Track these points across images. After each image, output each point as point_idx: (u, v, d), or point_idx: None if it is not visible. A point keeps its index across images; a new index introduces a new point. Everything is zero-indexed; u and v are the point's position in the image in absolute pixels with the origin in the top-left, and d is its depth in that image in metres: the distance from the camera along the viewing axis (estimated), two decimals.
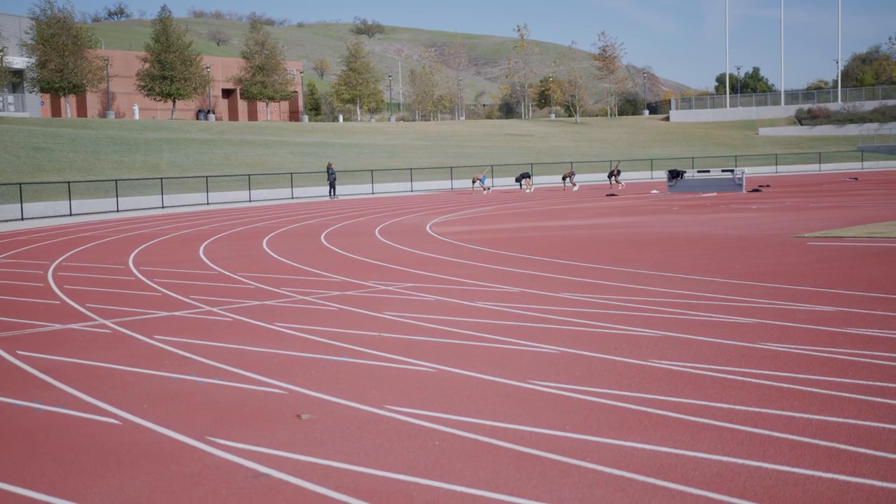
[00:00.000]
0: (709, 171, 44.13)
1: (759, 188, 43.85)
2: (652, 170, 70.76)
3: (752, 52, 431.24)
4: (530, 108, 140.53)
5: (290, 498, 4.86)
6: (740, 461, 5.19)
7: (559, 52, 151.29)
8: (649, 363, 7.74)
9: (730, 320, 9.61)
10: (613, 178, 52.86)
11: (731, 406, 6.34)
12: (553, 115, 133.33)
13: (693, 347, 8.33)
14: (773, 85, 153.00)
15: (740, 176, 42.57)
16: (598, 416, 6.24)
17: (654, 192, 44.68)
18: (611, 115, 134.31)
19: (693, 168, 58.88)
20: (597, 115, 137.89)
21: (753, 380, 7.06)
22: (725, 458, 5.24)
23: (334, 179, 49.94)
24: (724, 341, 8.55)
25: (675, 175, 43.90)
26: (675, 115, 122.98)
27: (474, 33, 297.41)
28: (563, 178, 55.62)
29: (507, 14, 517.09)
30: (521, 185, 54.92)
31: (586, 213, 30.49)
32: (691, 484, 4.85)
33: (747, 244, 17.77)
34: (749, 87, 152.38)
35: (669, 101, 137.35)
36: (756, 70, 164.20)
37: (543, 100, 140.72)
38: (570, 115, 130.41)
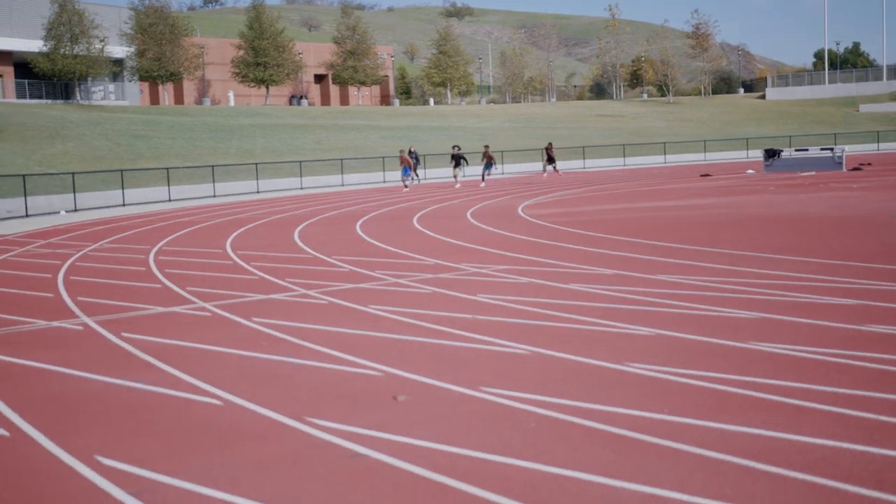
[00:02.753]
0: (807, 150, 43.09)
1: (860, 166, 42.70)
2: (748, 149, 69.44)
3: (852, 27, 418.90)
4: (622, 88, 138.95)
5: (387, 478, 4.90)
6: (845, 445, 5.06)
7: (651, 31, 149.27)
8: (749, 345, 7.60)
9: (831, 302, 9.38)
10: (548, 163, 46.66)
11: (835, 389, 6.19)
12: (645, 96, 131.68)
13: (794, 329, 8.15)
14: (875, 60, 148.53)
15: (840, 154, 41.49)
16: (697, 399, 6.16)
17: (750, 171, 43.83)
18: (704, 94, 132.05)
19: (790, 147, 57.64)
20: (690, 95, 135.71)
21: (857, 363, 6.89)
22: (829, 442, 5.12)
23: (416, 163, 49.65)
24: (826, 323, 8.35)
25: (771, 154, 42.97)
26: (771, 92, 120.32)
27: (565, 14, 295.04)
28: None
29: None
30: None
31: (680, 193, 30.06)
32: (794, 468, 4.75)
33: (848, 224, 17.33)
34: (849, 62, 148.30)
35: (765, 78, 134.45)
36: (856, 45, 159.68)
37: (635, 80, 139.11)
38: (662, 95, 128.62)
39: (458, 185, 41.71)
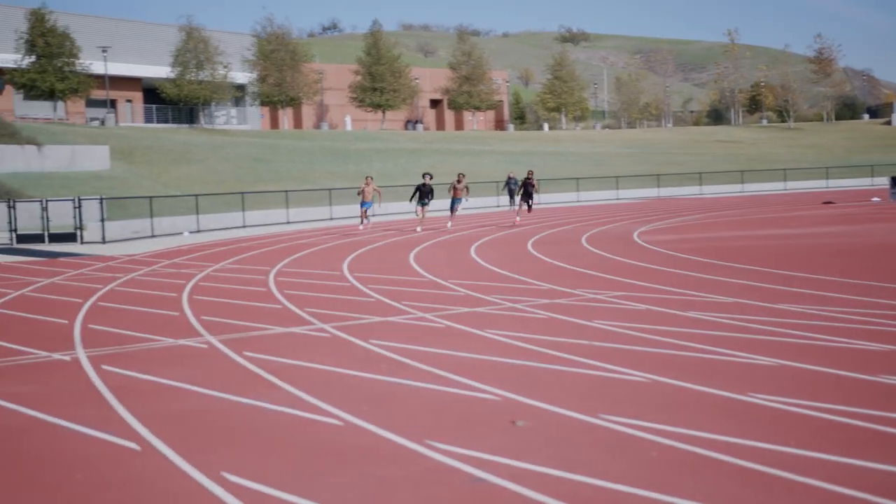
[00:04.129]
0: None
1: None
2: (872, 176, 67.37)
3: None
4: (740, 113, 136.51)
5: None
6: None
7: (771, 56, 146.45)
8: (879, 379, 7.37)
9: None
10: (522, 196, 32.38)
11: None
12: (765, 121, 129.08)
13: None
14: None
15: None
16: (824, 432, 5.99)
17: (876, 199, 42.53)
18: (827, 120, 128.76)
19: None
20: (811, 120, 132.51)
21: None
22: None
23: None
24: None
25: None
26: None
27: (682, 38, 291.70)
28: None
29: (716, 18, 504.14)
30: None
31: (803, 221, 29.34)
32: None
33: None
34: None
35: (891, 104, 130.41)
36: None
37: (754, 105, 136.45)
38: (782, 121, 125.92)
39: (419, 230, 29.47)
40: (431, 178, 29.57)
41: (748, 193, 60.61)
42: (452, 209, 31.79)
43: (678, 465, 5.43)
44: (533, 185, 31.91)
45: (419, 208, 29.61)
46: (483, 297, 13.51)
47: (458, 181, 31.29)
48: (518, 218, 32.59)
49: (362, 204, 29.84)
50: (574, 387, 7.57)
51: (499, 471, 5.41)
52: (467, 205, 31.98)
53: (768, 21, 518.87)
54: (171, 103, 78.05)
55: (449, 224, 31.16)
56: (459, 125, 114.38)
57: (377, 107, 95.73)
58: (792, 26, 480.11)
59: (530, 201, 32.27)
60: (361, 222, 30.13)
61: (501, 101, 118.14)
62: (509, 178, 43.64)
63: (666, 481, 5.12)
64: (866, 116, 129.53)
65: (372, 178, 30.21)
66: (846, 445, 5.66)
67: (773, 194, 58.28)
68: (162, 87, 75.68)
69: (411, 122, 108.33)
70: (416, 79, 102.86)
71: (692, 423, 6.29)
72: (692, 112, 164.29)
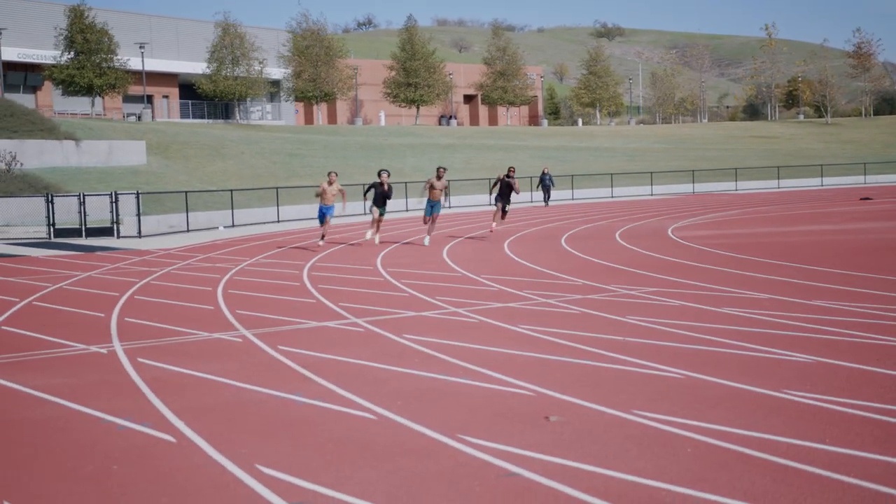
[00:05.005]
0: None
1: None
2: None
3: None
4: (777, 108, 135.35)
5: (542, 499, 4.90)
6: None
7: (809, 51, 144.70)
8: None
9: None
10: (498, 197, 24.99)
11: None
12: (801, 116, 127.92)
13: None
14: None
15: None
16: (860, 429, 5.95)
17: None
18: (865, 115, 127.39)
19: None
20: (849, 116, 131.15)
21: None
22: None
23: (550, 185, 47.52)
24: None
25: None
26: None
27: (718, 33, 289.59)
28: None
29: (753, 12, 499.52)
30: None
31: (839, 217, 29.06)
32: None
33: None
34: None
35: None
36: None
37: (791, 100, 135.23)
38: (819, 116, 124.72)
39: (369, 235, 23.04)
40: (389, 175, 22.18)
41: (784, 189, 60.10)
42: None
43: (712, 461, 5.41)
44: (513, 185, 24.25)
45: (375, 210, 22.21)
46: (516, 292, 13.50)
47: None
48: (494, 224, 25.32)
49: (323, 211, 22.29)
50: (607, 382, 7.56)
51: (532, 466, 5.42)
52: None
53: (806, 15, 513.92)
54: (207, 99, 78.56)
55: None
56: (493, 120, 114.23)
57: (411, 102, 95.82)
58: (830, 21, 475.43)
59: (507, 206, 24.72)
60: (322, 238, 22.59)
61: (535, 96, 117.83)
62: (543, 173, 43.50)
63: (699, 477, 5.11)
64: None
65: (336, 175, 22.29)
66: (882, 443, 5.62)
67: (809, 190, 57.75)
68: (198, 83, 76.17)
69: (445, 118, 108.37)
70: (451, 74, 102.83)
71: (726, 419, 6.27)
72: (728, 107, 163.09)
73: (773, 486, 4.95)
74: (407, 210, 41.86)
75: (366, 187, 22.06)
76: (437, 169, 23.29)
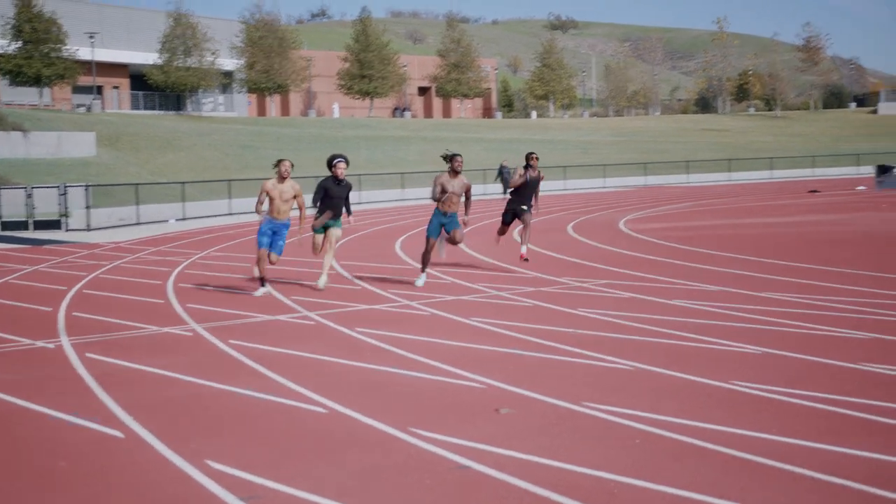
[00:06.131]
0: None
1: None
2: (858, 165, 67.57)
3: None
4: (728, 102, 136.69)
5: (493, 491, 4.91)
6: None
7: (760, 45, 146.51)
8: (861, 367, 7.41)
9: None
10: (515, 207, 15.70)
11: None
12: (752, 110, 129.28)
13: None
14: None
15: None
16: (807, 420, 6.03)
17: (861, 188, 42.67)
18: (814, 109, 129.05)
19: None
20: (799, 109, 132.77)
21: None
22: None
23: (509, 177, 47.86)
24: None
25: (884, 170, 41.81)
26: (885, 107, 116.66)
27: (671, 26, 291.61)
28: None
29: (705, 6, 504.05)
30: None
31: (788, 210, 29.43)
32: None
33: None
34: None
35: (878, 93, 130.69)
36: None
37: (742, 94, 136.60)
38: (769, 110, 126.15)
39: (321, 285, 13.51)
40: (347, 165, 13.60)
41: (735, 182, 60.75)
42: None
43: (661, 452, 5.45)
44: (539, 181, 15.89)
45: (320, 220, 13.42)
46: (469, 285, 13.52)
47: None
48: (501, 238, 16.89)
49: (267, 230, 13.23)
50: (558, 375, 7.59)
51: (483, 458, 5.43)
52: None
53: (757, 9, 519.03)
54: (159, 90, 77.66)
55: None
56: (447, 113, 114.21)
57: (365, 94, 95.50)
58: (781, 15, 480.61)
59: (526, 213, 15.58)
60: (262, 283, 13.32)
61: (490, 88, 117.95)
62: (502, 166, 43.65)
63: (648, 468, 5.15)
64: (853, 105, 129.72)
65: (292, 165, 13.22)
66: (828, 433, 5.70)
67: (759, 183, 58.44)
68: (149, 74, 75.28)
69: (399, 110, 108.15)
70: (405, 66, 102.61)
71: (675, 410, 6.32)
72: (680, 100, 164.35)
73: (720, 476, 5.00)
74: (359, 202, 41.67)
75: (315, 191, 13.38)
76: (452, 158, 13.97)
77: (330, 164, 13.45)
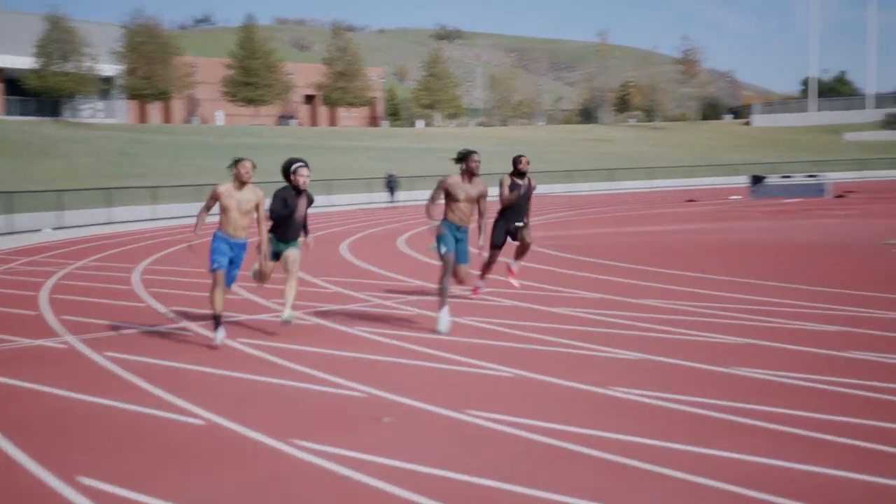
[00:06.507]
0: (792, 177, 43.33)
1: (844, 194, 42.92)
2: (733, 175, 69.72)
3: (838, 56, 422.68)
4: (610, 112, 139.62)
5: (375, 501, 4.89)
6: (830, 472, 5.08)
7: (640, 57, 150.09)
8: (732, 371, 7.63)
9: (814, 328, 9.42)
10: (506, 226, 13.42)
11: (819, 416, 6.21)
12: (633, 120, 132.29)
13: (777, 355, 8.19)
14: (861, 89, 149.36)
15: (825, 182, 41.71)
16: (681, 423, 6.17)
17: (736, 197, 44.02)
18: (692, 120, 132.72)
19: (776, 174, 57.88)
20: (677, 120, 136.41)
21: (842, 389, 6.92)
22: (814, 469, 5.14)
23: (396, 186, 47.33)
24: (809, 349, 8.39)
25: (757, 181, 43.23)
26: (758, 119, 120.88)
27: (555, 38, 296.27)
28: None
29: (588, 18, 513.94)
30: None
31: (666, 218, 30.16)
32: (778, 493, 4.77)
33: (831, 251, 17.41)
34: (835, 91, 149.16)
35: (751, 105, 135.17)
36: (843, 74, 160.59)
37: (623, 104, 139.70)
38: (650, 120, 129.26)
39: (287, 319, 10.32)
40: (309, 170, 10.51)
41: (616, 191, 62.00)
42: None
43: (541, 458, 5.51)
44: (531, 189, 14.17)
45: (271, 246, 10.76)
46: (354, 294, 13.47)
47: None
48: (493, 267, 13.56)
49: (224, 251, 10.10)
50: (440, 383, 7.61)
51: (365, 468, 5.40)
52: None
53: (638, 22, 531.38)
54: (34, 95, 75.36)
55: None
56: (333, 121, 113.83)
57: (250, 102, 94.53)
58: (660, 28, 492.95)
59: (523, 228, 13.58)
60: (217, 323, 9.61)
61: (376, 97, 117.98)
62: (389, 175, 43.85)
63: (528, 474, 5.19)
64: (728, 117, 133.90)
65: (253, 165, 10.09)
66: (701, 435, 5.84)
67: (639, 192, 59.76)
68: (24, 79, 73.05)
69: (284, 118, 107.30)
70: (290, 74, 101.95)
71: (555, 416, 6.40)
72: (563, 111, 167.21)
73: (601, 480, 5.08)
74: None
75: (272, 204, 10.34)
76: (467, 156, 11.29)
77: (287, 171, 10.35)
